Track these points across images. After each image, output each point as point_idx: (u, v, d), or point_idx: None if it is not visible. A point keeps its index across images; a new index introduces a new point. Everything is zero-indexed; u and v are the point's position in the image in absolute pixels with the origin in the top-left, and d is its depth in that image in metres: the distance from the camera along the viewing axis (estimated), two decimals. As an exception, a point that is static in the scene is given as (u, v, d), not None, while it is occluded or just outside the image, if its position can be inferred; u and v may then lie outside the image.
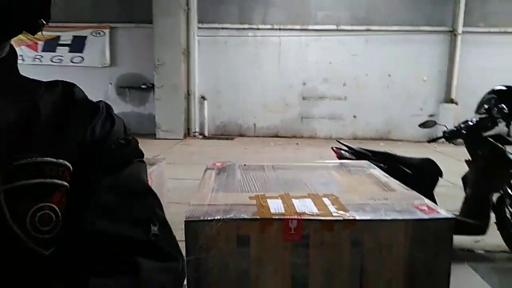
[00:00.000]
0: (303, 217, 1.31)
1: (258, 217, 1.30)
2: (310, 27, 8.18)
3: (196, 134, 8.55)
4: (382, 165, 2.83)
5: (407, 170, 2.81)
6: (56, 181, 0.46)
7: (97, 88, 8.71)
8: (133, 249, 0.47)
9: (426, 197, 1.57)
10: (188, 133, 8.53)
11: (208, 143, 7.82)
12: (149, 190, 0.55)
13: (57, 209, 0.45)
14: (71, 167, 0.48)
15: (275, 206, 1.40)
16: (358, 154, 2.92)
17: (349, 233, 1.32)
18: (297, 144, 7.87)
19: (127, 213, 0.49)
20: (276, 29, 8.28)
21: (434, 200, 2.48)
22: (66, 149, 0.48)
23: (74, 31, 8.77)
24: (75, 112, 0.52)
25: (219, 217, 1.29)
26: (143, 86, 8.62)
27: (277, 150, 7.19)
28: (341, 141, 3.17)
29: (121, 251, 0.46)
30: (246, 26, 8.34)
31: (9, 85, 0.49)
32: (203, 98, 8.57)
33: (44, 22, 0.50)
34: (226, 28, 8.35)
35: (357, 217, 1.32)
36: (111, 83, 8.86)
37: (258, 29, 8.35)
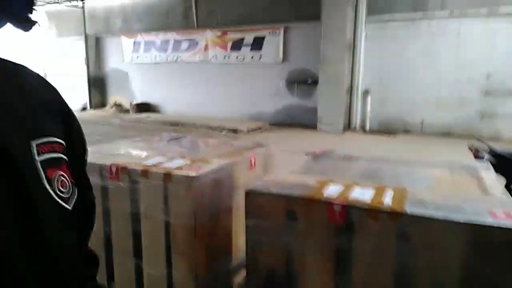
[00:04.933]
0: (348, 203, 1.35)
1: (306, 196, 1.41)
2: (501, 10, 6.90)
3: (357, 128, 8.48)
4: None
5: None
6: (62, 155, 0.59)
7: (270, 83, 9.69)
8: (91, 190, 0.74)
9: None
10: (348, 127, 8.55)
11: (366, 139, 7.67)
12: None
13: (67, 176, 0.59)
14: (64, 145, 0.62)
15: (332, 190, 1.47)
16: (499, 157, 2.48)
17: (395, 226, 1.28)
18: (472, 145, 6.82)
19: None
20: (456, 16, 7.34)
21: None
22: (59, 130, 0.61)
23: (256, 32, 9.92)
24: (50, 93, 0.65)
25: (273, 192, 1.47)
26: (309, 81, 9.08)
27: (445, 153, 6.30)
28: (484, 140, 2.73)
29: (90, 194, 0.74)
30: (419, 14, 7.70)
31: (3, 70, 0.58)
32: (366, 92, 8.41)
33: (32, 19, 0.57)
34: (396, 20, 7.91)
35: (405, 210, 1.27)
36: (282, 78, 9.66)
37: (434, 16, 7.57)
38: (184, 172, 1.74)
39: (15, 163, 0.51)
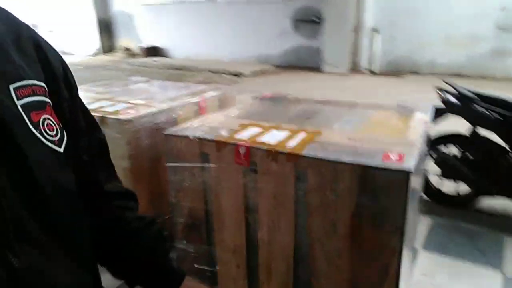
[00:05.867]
0: (251, 145, 1.38)
1: (216, 139, 1.45)
2: None
3: (363, 69, 8.20)
4: (490, 113, 2.28)
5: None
6: (44, 98, 0.57)
7: (276, 23, 9.32)
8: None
9: None
10: (355, 68, 8.28)
11: (371, 80, 7.44)
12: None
13: (52, 119, 0.57)
14: (46, 88, 0.58)
15: (247, 133, 1.50)
16: (462, 97, 2.40)
17: (293, 167, 1.32)
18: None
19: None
20: None
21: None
22: (36, 71, 0.57)
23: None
24: (17, 28, 0.59)
25: (188, 135, 1.51)
26: (314, 19, 8.67)
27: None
28: (452, 83, 2.62)
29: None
30: None
31: None
32: (374, 30, 8.00)
33: None
34: None
35: (302, 152, 1.30)
36: (288, 17, 9.26)
37: None
38: (118, 116, 1.79)
39: None
